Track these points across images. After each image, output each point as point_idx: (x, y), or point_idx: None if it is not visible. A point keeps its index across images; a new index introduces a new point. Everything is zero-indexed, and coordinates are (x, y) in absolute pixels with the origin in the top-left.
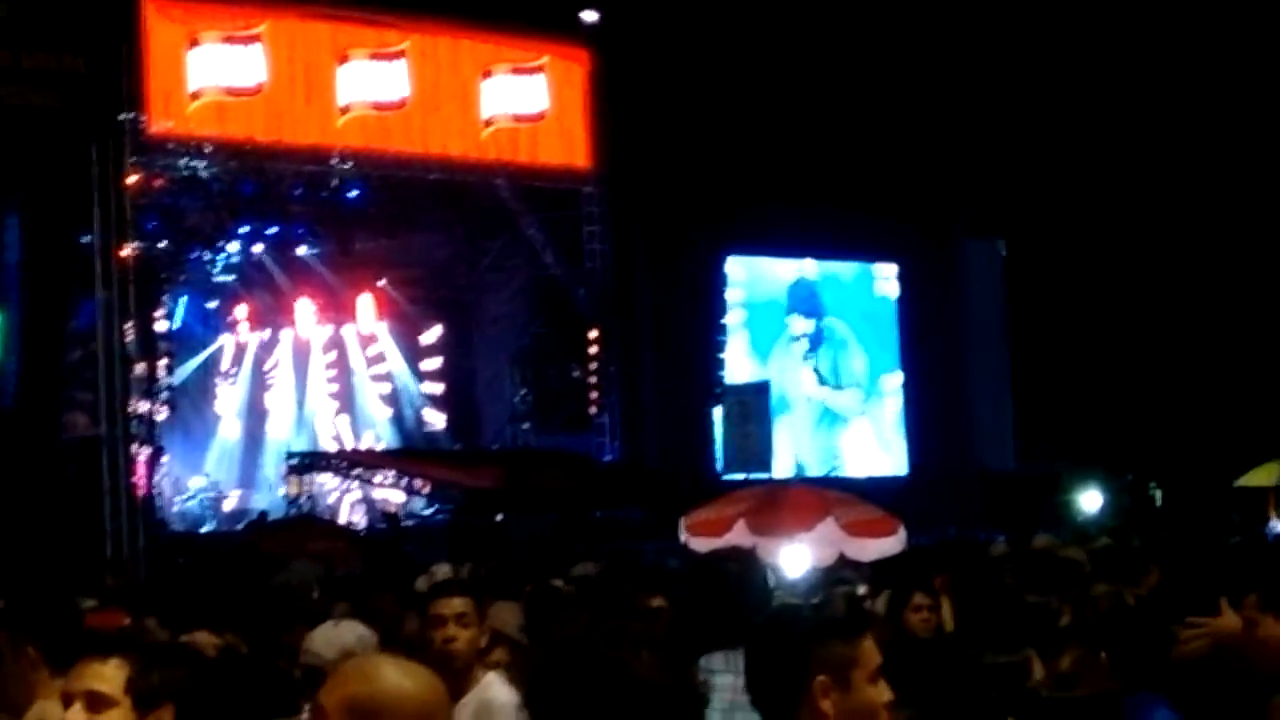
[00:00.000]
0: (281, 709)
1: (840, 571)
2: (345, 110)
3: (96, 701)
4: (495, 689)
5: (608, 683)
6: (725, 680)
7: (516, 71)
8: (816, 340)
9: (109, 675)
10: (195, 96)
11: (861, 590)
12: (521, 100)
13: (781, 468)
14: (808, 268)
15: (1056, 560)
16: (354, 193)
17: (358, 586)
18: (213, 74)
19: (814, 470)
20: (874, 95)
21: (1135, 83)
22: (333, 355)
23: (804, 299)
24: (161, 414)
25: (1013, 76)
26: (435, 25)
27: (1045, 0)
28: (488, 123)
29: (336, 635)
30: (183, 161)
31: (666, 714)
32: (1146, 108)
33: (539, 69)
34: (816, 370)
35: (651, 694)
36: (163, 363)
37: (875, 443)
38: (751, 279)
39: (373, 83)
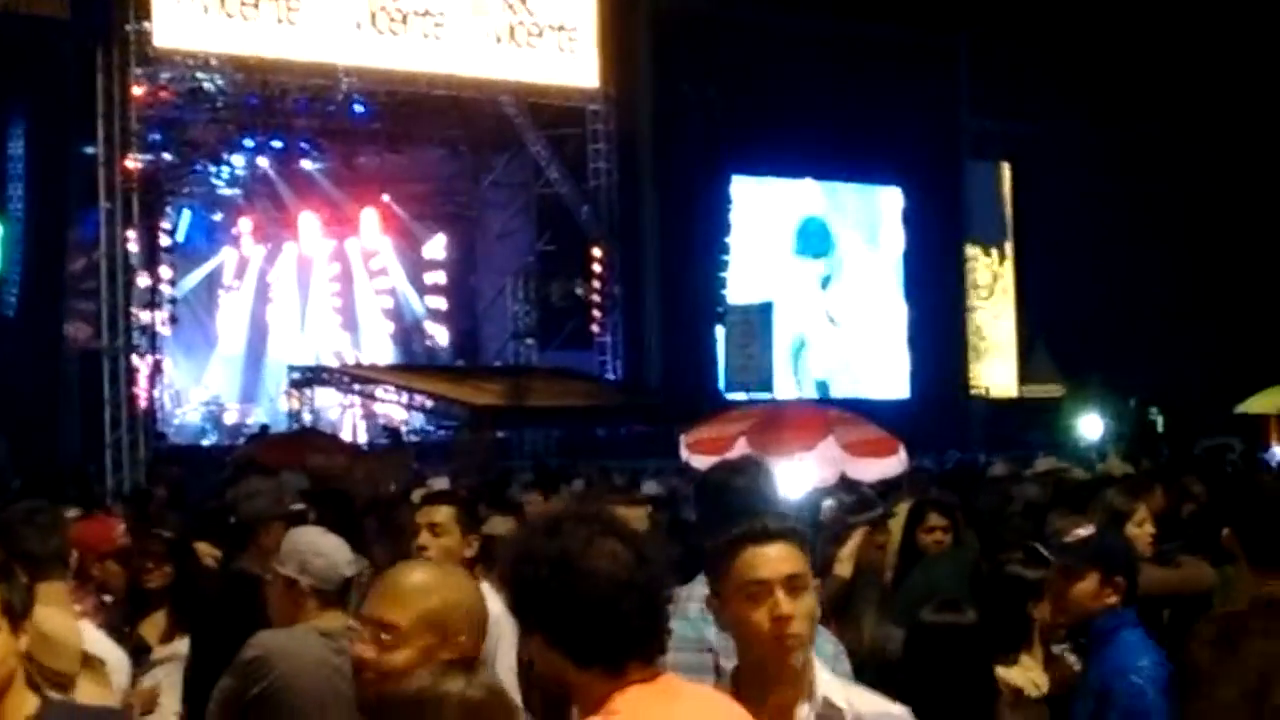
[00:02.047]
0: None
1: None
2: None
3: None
4: (491, 601)
5: (559, 574)
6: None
7: None
8: (825, 282)
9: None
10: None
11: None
12: (528, 14)
13: (791, 388)
14: (814, 201)
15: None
16: (359, 107)
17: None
18: None
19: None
20: (880, 15)
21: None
22: (336, 269)
23: (813, 239)
24: (163, 326)
25: None
26: None
27: None
28: (495, 37)
29: (328, 540)
30: (188, 74)
31: (621, 606)
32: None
33: None
34: (826, 310)
35: (604, 584)
36: (165, 275)
37: (877, 365)
38: (759, 208)
39: None
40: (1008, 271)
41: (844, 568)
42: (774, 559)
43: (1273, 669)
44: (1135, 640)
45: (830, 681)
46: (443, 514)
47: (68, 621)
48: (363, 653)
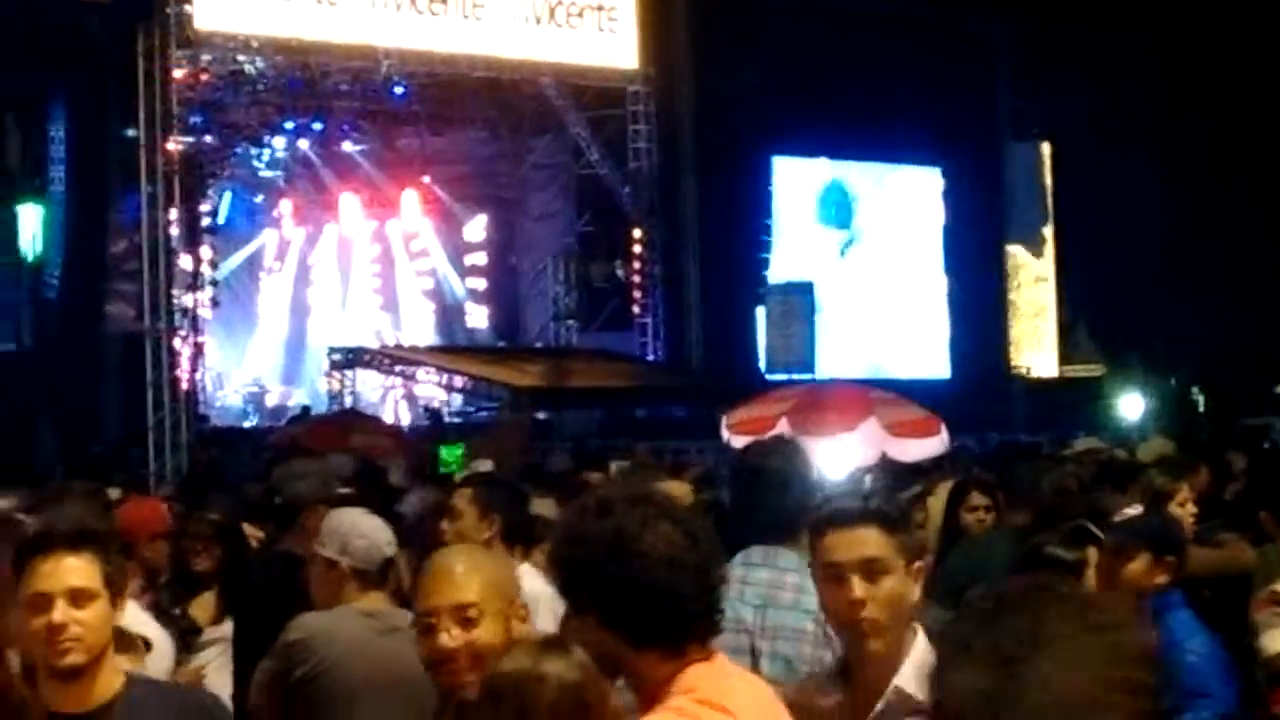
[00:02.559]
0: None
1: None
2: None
3: (79, 596)
4: (527, 580)
5: (614, 556)
6: (761, 575)
7: None
8: (848, 244)
9: (85, 569)
10: None
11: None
12: None
13: (840, 368)
14: (846, 171)
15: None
16: (399, 89)
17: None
18: None
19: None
20: None
21: None
22: (376, 251)
23: (832, 209)
24: (205, 308)
25: None
26: None
27: None
28: (535, 17)
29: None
30: (229, 56)
31: (679, 588)
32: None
33: None
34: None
35: (661, 565)
36: (206, 257)
37: (918, 346)
38: (800, 188)
39: None
40: (1048, 262)
41: None
42: (851, 542)
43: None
44: (1186, 619)
45: (916, 670)
46: (458, 497)
47: None
48: (446, 643)
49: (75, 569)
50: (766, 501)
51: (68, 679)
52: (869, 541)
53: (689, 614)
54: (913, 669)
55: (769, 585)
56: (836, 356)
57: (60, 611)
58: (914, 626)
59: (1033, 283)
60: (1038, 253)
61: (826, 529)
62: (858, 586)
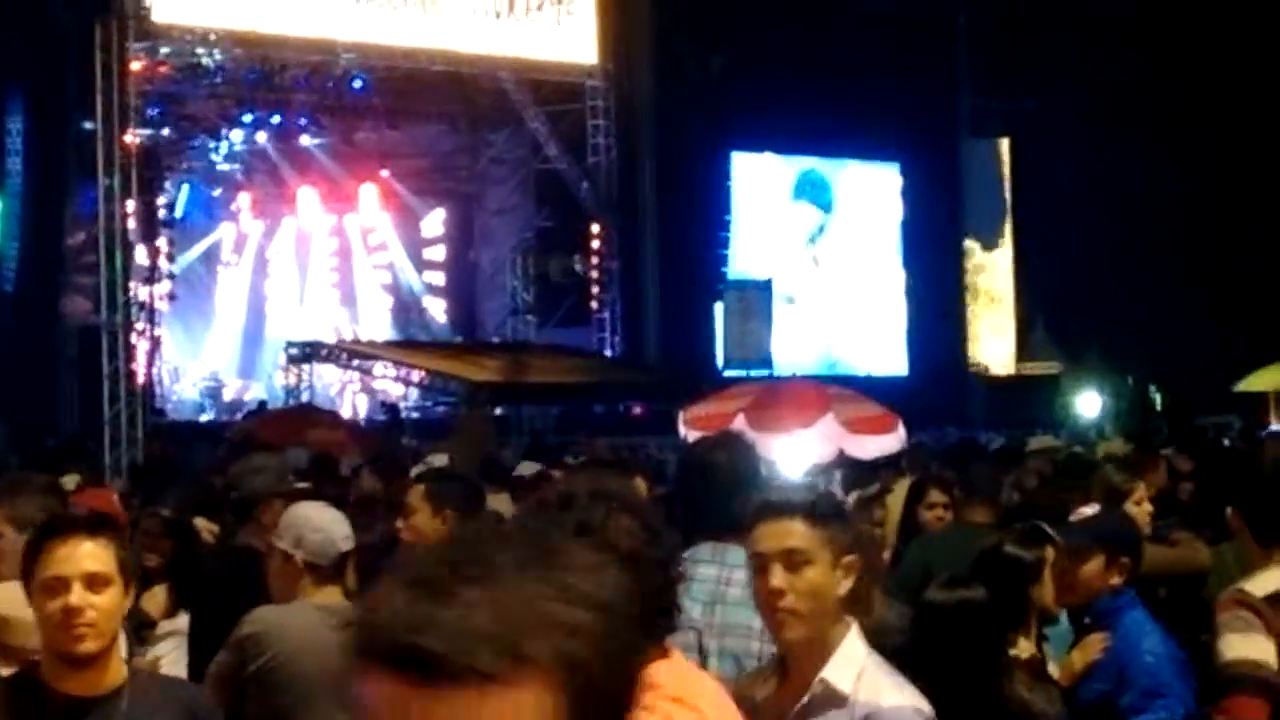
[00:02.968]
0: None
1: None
2: None
3: (95, 581)
4: None
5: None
6: (709, 571)
7: None
8: (819, 232)
9: (102, 554)
10: None
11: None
12: None
13: (798, 363)
14: (813, 164)
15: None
16: (358, 83)
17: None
18: None
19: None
20: None
21: None
22: (334, 245)
23: (813, 187)
24: (162, 301)
25: None
26: None
27: None
28: (494, 12)
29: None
30: (187, 49)
31: (642, 583)
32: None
33: None
34: (816, 260)
35: (623, 559)
36: (164, 250)
37: (876, 342)
38: (759, 184)
39: None
40: (1007, 258)
41: None
42: (775, 533)
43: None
44: (1141, 619)
45: (844, 664)
46: (411, 494)
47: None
48: None
49: (92, 554)
50: (714, 497)
51: (81, 665)
52: (792, 533)
53: (651, 609)
54: (841, 662)
55: (716, 581)
56: (795, 351)
57: (77, 595)
58: (847, 620)
59: (991, 280)
60: (994, 247)
61: (756, 520)
62: (777, 576)
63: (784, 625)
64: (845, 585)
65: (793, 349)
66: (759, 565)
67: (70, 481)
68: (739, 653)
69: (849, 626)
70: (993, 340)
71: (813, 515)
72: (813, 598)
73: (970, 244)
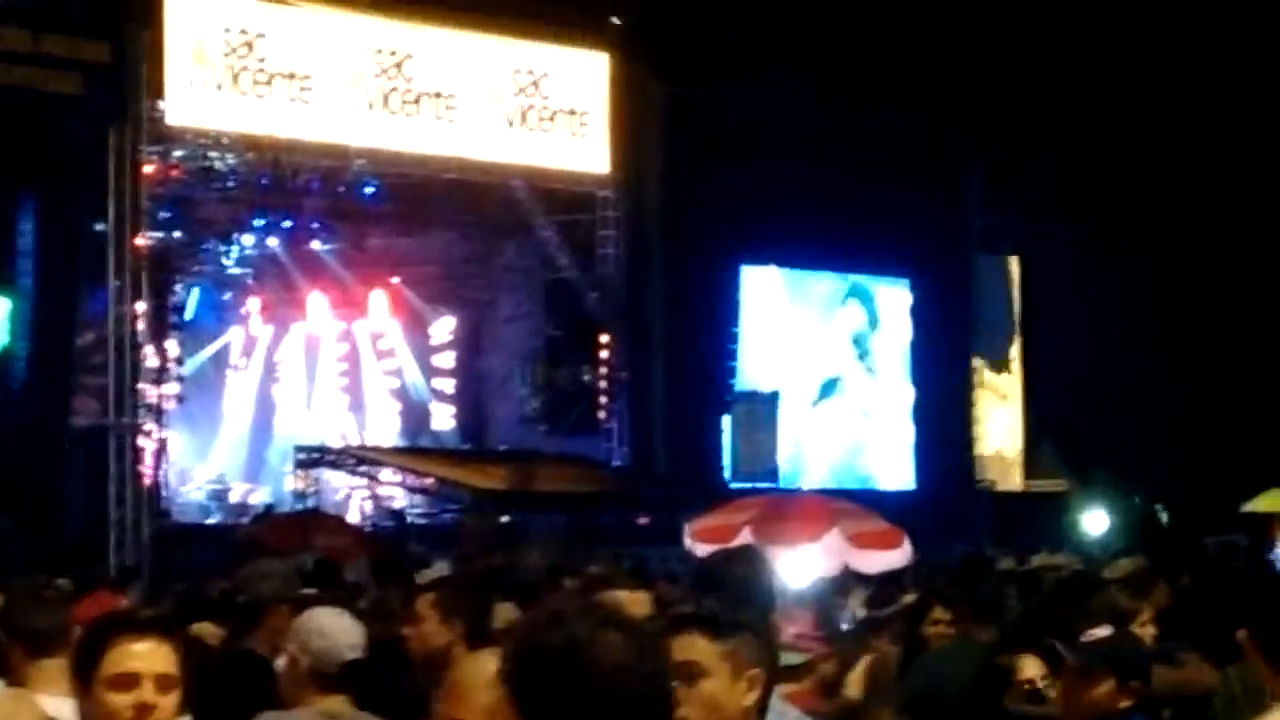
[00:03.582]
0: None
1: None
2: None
3: (164, 682)
4: None
5: (566, 665)
6: None
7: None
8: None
9: (173, 657)
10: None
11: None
12: (541, 99)
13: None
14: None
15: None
16: (370, 189)
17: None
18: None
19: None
20: (892, 107)
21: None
22: (343, 350)
23: (863, 296)
24: (170, 404)
25: (1031, 88)
26: (458, 22)
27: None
28: (508, 120)
29: (337, 622)
30: (200, 152)
31: (630, 695)
32: (1160, 116)
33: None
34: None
35: (613, 674)
36: (173, 352)
37: (883, 457)
38: (768, 297)
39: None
40: (1015, 377)
41: (854, 690)
42: (676, 648)
43: None
44: None
45: None
46: (420, 602)
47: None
48: None
49: (165, 655)
50: (724, 609)
51: None
52: (691, 646)
53: None
54: None
55: None
56: (802, 465)
57: (149, 692)
58: None
59: (999, 398)
60: (1002, 369)
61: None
62: (680, 691)
63: None
64: (750, 698)
65: (801, 461)
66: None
67: (63, 582)
68: None
69: None
70: (1000, 457)
71: (710, 628)
72: (707, 711)
73: (977, 363)
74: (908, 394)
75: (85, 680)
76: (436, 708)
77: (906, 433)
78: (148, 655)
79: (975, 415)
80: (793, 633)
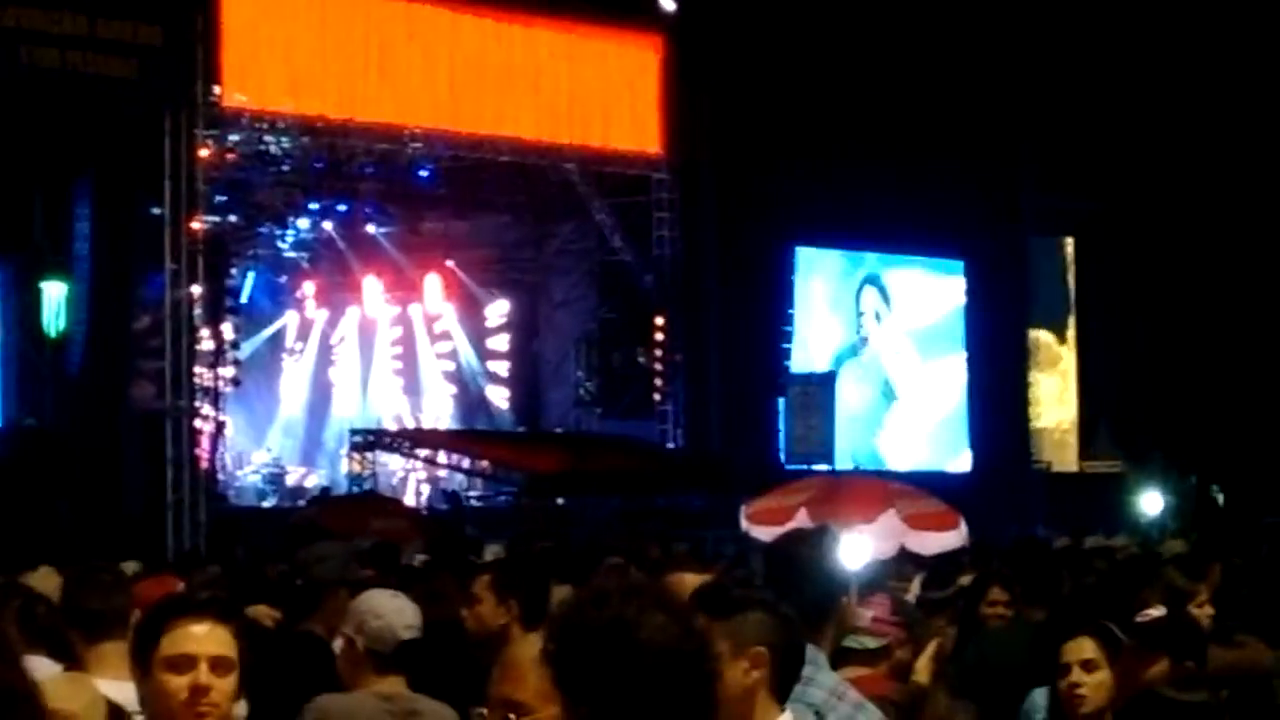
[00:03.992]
0: (332, 683)
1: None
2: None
3: (220, 664)
4: None
5: (611, 645)
6: (828, 679)
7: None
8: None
9: (230, 640)
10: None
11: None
12: (594, 77)
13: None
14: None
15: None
16: (424, 172)
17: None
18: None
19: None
20: (946, 89)
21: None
22: (398, 333)
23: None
24: (226, 387)
25: (1084, 72)
26: (509, 12)
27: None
28: (559, 99)
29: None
30: (255, 136)
31: (675, 677)
32: (1215, 104)
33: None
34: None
35: (657, 655)
36: (229, 336)
37: (940, 439)
38: (823, 268)
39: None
40: (1070, 352)
41: (923, 676)
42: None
43: None
44: None
45: None
46: (477, 584)
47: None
48: None
49: (222, 638)
50: (792, 591)
51: None
52: (724, 630)
53: (685, 704)
54: None
55: (831, 692)
56: (856, 447)
57: (205, 674)
58: (774, 710)
59: (1055, 373)
60: (1062, 339)
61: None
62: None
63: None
64: (754, 675)
65: (855, 444)
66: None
67: (131, 566)
68: None
69: (779, 713)
70: (1055, 438)
71: (709, 607)
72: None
73: (1045, 335)
74: (963, 376)
75: (143, 663)
76: (492, 689)
77: (963, 415)
78: (203, 638)
79: (1032, 395)
80: (870, 616)
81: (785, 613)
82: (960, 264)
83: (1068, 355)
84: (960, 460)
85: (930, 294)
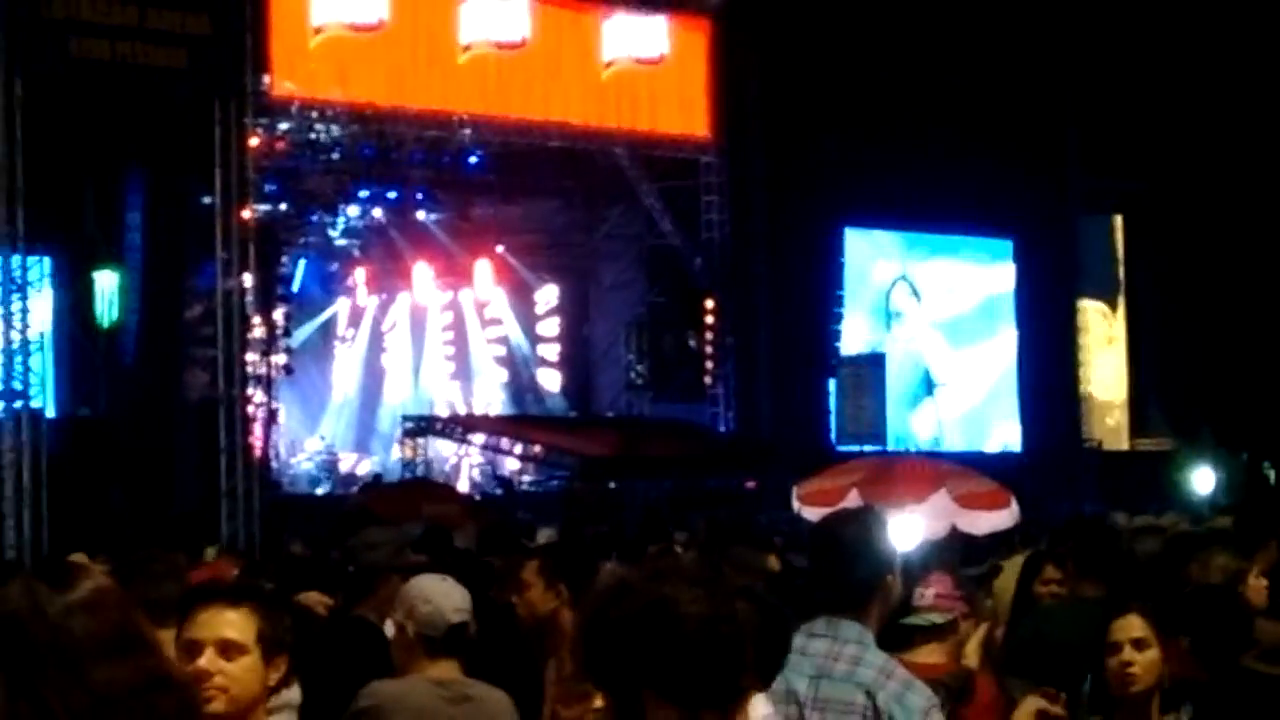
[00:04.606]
0: (385, 668)
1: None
2: (467, 49)
3: (229, 648)
4: None
5: (656, 621)
6: (819, 646)
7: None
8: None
9: (240, 623)
10: (318, 31)
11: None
12: (641, 42)
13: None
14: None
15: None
16: (473, 158)
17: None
18: (335, 11)
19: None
20: (993, 70)
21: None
22: (449, 319)
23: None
24: (278, 375)
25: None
26: None
27: None
28: (608, 64)
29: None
30: (305, 125)
31: (722, 648)
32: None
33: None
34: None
35: (703, 626)
36: (281, 324)
37: (991, 418)
38: (873, 250)
39: (493, 21)
40: (1119, 325)
41: (972, 659)
42: None
43: None
44: None
45: None
46: (526, 569)
47: None
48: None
49: (230, 621)
50: (837, 571)
51: None
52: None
53: (732, 675)
54: None
55: (825, 656)
56: (908, 428)
57: (208, 659)
58: None
59: (1107, 347)
60: (1113, 310)
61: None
62: None
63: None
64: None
65: (907, 425)
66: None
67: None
68: None
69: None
70: (1106, 416)
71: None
72: None
73: (1095, 306)
74: (1014, 355)
75: (177, 650)
76: (547, 673)
77: (1014, 394)
78: (209, 622)
79: (1082, 373)
80: (933, 594)
81: (768, 600)
82: (1009, 244)
83: (1118, 328)
84: (1012, 439)
85: (961, 284)
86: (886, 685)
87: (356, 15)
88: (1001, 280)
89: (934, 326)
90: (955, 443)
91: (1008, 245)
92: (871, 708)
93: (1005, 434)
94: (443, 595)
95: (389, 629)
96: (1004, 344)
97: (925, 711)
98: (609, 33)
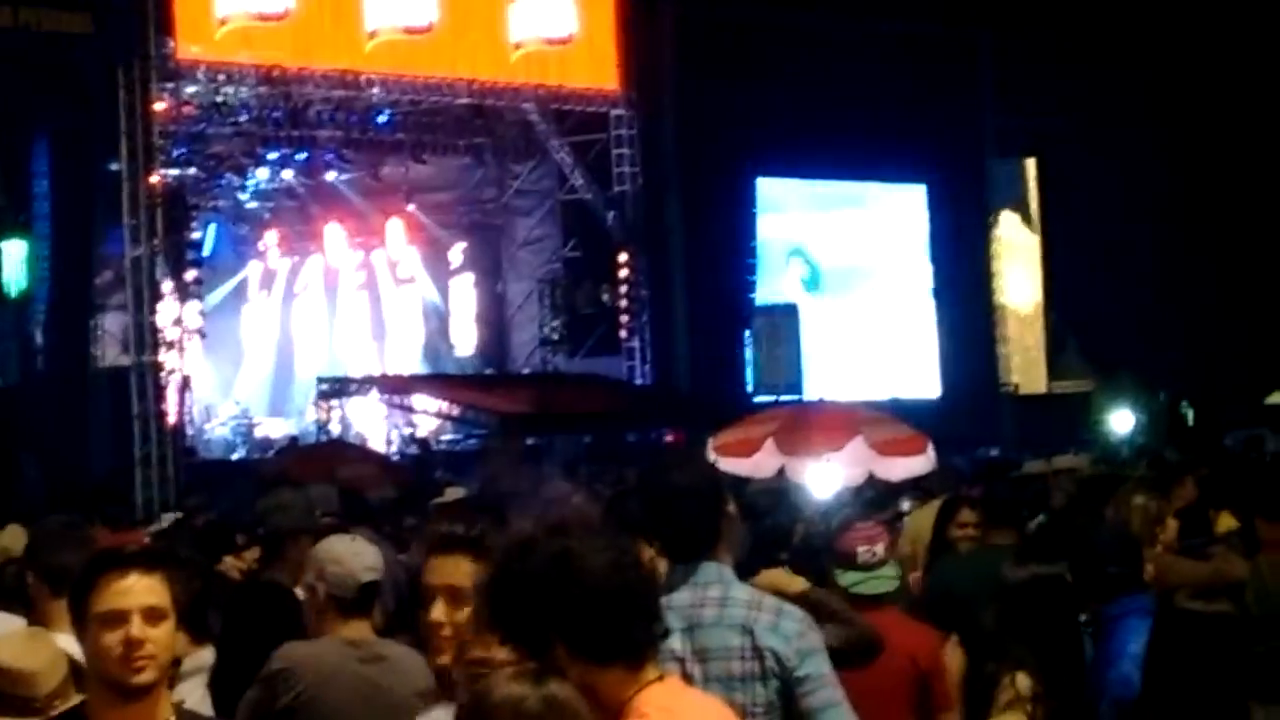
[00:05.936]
0: (299, 631)
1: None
2: (373, 35)
3: (153, 615)
4: None
5: (563, 573)
6: (682, 597)
7: None
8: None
9: (159, 589)
10: (223, 23)
11: (905, 507)
12: (550, 23)
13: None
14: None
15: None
16: (383, 117)
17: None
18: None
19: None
20: (902, 12)
21: None
22: (362, 279)
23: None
24: (191, 340)
25: None
26: None
27: None
28: (516, 45)
29: (350, 547)
30: (211, 88)
31: (629, 600)
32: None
33: None
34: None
35: (610, 577)
36: (192, 289)
37: (907, 365)
38: (785, 198)
39: (400, 6)
40: (1035, 236)
41: None
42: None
43: None
44: (1137, 626)
45: None
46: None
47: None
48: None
49: (151, 588)
50: (678, 516)
51: (135, 697)
52: (455, 569)
53: (640, 627)
54: None
55: (691, 605)
56: (825, 378)
57: (137, 627)
58: None
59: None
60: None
61: (429, 553)
62: (439, 609)
63: (441, 651)
64: None
65: (824, 375)
66: (426, 597)
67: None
68: (723, 676)
69: None
70: (1023, 359)
71: (476, 551)
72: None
73: (1010, 216)
74: (929, 301)
75: (80, 619)
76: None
77: (931, 340)
78: (131, 590)
79: (996, 285)
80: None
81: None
82: (923, 186)
83: (1033, 240)
84: (930, 386)
85: (874, 232)
86: (760, 619)
87: (264, 5)
88: (915, 226)
89: (846, 274)
90: (871, 390)
91: (921, 189)
92: (751, 646)
93: (922, 380)
94: (352, 556)
95: (300, 591)
96: (919, 291)
97: (801, 635)
98: (515, 15)
